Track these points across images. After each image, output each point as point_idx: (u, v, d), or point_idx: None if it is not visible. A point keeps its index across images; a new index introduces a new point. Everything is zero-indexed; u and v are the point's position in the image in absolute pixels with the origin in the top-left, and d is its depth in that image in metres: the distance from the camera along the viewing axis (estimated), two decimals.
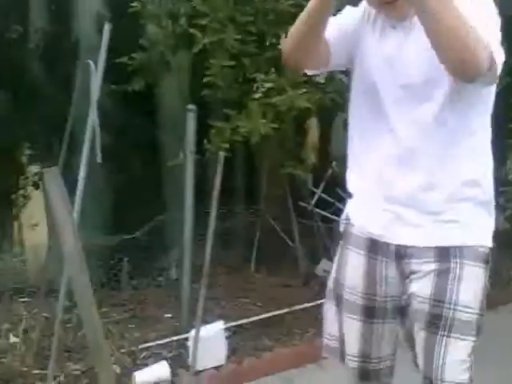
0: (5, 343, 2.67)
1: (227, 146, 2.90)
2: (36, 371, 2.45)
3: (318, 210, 4.22)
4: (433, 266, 1.50)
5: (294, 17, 2.94)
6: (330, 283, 1.67)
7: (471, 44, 1.22)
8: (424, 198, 1.45)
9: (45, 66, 3.22)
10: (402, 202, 1.48)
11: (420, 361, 1.54)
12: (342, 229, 1.67)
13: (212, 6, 2.86)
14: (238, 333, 2.82)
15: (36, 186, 3.64)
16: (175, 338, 2.80)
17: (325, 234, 4.09)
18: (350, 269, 1.60)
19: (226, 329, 2.79)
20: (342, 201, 4.38)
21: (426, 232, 1.48)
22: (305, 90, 2.74)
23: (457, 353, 1.51)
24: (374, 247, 1.56)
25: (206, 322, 2.73)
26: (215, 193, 2.54)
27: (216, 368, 2.58)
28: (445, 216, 1.47)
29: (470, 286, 1.51)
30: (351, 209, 1.63)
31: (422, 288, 1.51)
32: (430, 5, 1.21)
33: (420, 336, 1.54)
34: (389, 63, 1.45)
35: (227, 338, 2.73)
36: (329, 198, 4.43)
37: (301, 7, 2.87)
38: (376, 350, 1.64)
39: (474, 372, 1.52)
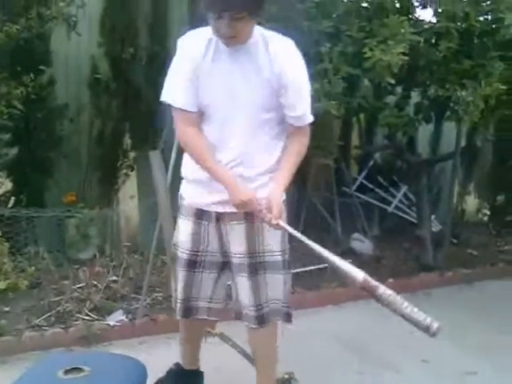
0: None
1: None
2: (133, 295, 3.45)
3: (357, 194, 5.02)
4: (243, 227, 2.05)
5: (332, 37, 3.67)
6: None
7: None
8: None
9: (148, 77, 4.07)
10: None
11: (247, 297, 2.08)
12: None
13: None
14: None
15: (131, 168, 4.47)
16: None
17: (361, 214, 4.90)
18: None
19: None
20: (382, 187, 5.17)
21: None
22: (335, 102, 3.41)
23: (274, 282, 2.10)
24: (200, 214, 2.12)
25: None
26: None
27: None
28: None
29: (271, 236, 2.06)
30: None
31: (238, 246, 2.06)
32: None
33: (244, 280, 2.07)
34: None
35: None
36: (369, 184, 5.21)
37: (338, 29, 3.62)
38: (195, 291, 2.19)
39: None
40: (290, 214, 4.79)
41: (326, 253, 1.91)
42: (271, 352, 2.29)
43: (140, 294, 3.35)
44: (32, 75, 3.64)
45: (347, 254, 4.35)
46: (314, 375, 2.73)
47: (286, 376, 2.66)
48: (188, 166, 2.15)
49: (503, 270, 4.58)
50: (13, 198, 4.10)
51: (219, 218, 2.10)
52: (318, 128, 3.94)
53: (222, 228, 2.11)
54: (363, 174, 5.29)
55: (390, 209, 5.20)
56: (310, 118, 2.08)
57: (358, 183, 5.18)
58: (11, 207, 4.01)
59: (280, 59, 1.95)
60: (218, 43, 1.97)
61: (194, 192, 2.14)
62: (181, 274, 2.19)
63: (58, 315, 3.17)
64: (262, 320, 2.12)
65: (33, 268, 3.62)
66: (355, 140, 5.27)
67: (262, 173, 2.05)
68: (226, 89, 1.97)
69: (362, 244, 4.55)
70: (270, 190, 2.02)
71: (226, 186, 1.98)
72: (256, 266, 2.07)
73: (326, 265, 3.97)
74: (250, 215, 2.04)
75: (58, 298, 3.33)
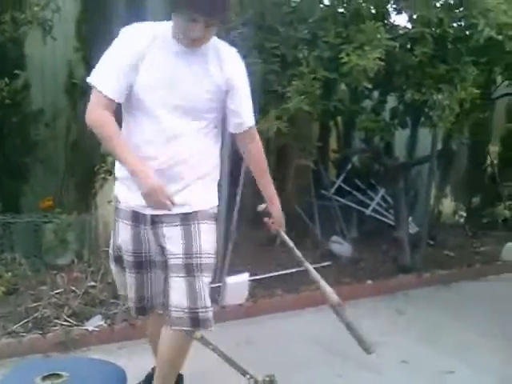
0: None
1: None
2: (112, 300, 3.42)
3: (335, 197, 5.06)
4: (180, 229, 2.04)
5: (309, 43, 3.77)
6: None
7: None
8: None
9: None
10: None
11: (184, 298, 2.00)
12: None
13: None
14: (258, 283, 3.72)
15: (109, 172, 4.55)
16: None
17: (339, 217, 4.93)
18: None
19: (250, 280, 3.71)
20: (360, 190, 5.23)
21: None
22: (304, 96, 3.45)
23: (206, 285, 2.04)
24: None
25: (236, 273, 3.65)
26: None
27: (238, 305, 3.51)
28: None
29: (207, 238, 2.08)
30: None
31: (175, 247, 2.04)
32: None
33: (179, 281, 2.02)
34: None
35: (249, 285, 3.64)
36: (347, 187, 5.26)
37: (315, 34, 3.69)
38: (147, 291, 2.20)
39: None
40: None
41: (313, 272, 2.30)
42: (181, 359, 2.22)
43: (118, 299, 3.32)
44: (6, 80, 3.60)
45: (326, 256, 4.39)
46: (294, 378, 2.75)
47: (267, 379, 2.66)
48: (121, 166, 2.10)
49: (479, 270, 4.65)
50: None
51: (155, 220, 2.07)
52: (297, 129, 4.03)
53: (159, 230, 2.08)
54: (341, 177, 5.33)
55: (368, 211, 5.25)
56: (253, 122, 2.15)
57: (336, 186, 5.22)
58: None
59: (229, 66, 2.04)
60: (165, 40, 1.99)
61: (128, 193, 2.09)
62: (130, 277, 2.18)
63: (36, 321, 3.12)
64: (196, 323, 2.03)
65: (10, 274, 3.56)
66: (333, 144, 5.32)
67: (200, 176, 2.06)
68: (169, 85, 1.98)
69: (340, 246, 4.59)
70: (271, 204, 2.30)
71: (134, 171, 1.88)
72: (193, 267, 2.03)
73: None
74: (185, 218, 2.04)
75: (35, 304, 3.28)
